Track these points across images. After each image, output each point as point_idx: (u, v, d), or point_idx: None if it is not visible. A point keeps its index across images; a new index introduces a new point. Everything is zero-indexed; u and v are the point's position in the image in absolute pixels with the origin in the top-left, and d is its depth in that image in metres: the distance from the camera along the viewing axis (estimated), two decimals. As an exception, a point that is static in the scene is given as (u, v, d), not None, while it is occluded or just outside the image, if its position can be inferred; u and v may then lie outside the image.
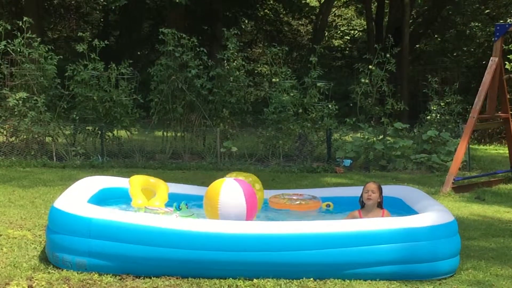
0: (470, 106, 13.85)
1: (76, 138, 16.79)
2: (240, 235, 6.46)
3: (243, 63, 17.72)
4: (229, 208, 7.20)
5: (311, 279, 6.44)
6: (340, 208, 8.85)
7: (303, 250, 6.45)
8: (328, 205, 8.96)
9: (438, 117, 17.67)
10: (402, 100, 19.43)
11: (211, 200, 7.28)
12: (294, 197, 8.99)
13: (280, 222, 7.09)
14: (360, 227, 6.67)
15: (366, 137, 16.59)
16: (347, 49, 43.19)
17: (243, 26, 39.86)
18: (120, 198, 8.34)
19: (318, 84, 17.21)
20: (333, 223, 6.84)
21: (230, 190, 7.30)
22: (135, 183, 8.27)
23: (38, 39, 16.40)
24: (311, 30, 41.68)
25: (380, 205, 7.68)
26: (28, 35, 16.18)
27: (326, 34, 41.51)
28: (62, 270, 6.50)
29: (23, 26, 16.10)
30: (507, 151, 14.93)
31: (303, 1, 39.62)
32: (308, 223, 6.85)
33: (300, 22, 44.11)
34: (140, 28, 37.53)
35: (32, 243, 7.58)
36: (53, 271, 6.50)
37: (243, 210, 7.29)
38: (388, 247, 6.53)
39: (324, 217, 8.41)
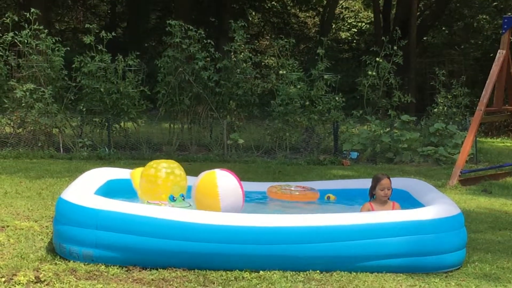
0: (478, 99, 13.81)
1: (83, 130, 16.84)
2: (246, 228, 6.46)
3: (250, 55, 17.71)
4: (230, 198, 7.32)
5: (317, 271, 6.45)
6: (344, 200, 8.87)
7: (310, 243, 6.45)
8: (328, 197, 8.98)
9: (445, 109, 17.64)
10: (409, 93, 19.43)
11: (208, 193, 7.33)
12: (292, 188, 9.00)
13: (286, 215, 7.09)
14: (366, 220, 6.66)
15: (373, 129, 16.57)
16: (354, 41, 43.05)
17: (250, 18, 39.79)
18: (127, 189, 8.35)
19: (325, 77, 17.20)
20: (339, 216, 6.83)
21: (227, 180, 7.42)
22: (137, 176, 8.26)
23: (45, 31, 16.43)
24: (318, 22, 41.57)
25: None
26: (35, 26, 16.20)
27: (333, 26, 41.39)
28: (69, 261, 6.52)
29: (31, 18, 16.13)
30: (514, 144, 14.90)
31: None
32: (314, 216, 6.84)
33: (307, 14, 43.99)
34: (147, 20, 37.53)
35: (39, 234, 7.60)
36: (60, 262, 6.52)
37: (240, 199, 7.46)
38: (394, 240, 6.53)
39: (332, 210, 8.42)
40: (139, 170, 8.38)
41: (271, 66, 17.96)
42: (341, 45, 42.05)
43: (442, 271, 6.64)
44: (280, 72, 17.43)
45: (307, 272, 6.43)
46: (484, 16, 35.24)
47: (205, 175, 7.58)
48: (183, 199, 7.64)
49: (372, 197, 7.60)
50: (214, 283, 6.12)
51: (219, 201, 7.24)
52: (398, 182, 8.54)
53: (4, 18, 16.31)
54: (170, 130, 17.65)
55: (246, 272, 6.36)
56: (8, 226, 7.88)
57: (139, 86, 16.89)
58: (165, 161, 8.22)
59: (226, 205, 7.23)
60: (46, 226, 7.98)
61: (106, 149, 15.86)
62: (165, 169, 7.89)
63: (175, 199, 7.55)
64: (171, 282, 6.09)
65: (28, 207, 9.20)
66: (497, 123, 23.75)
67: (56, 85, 16.33)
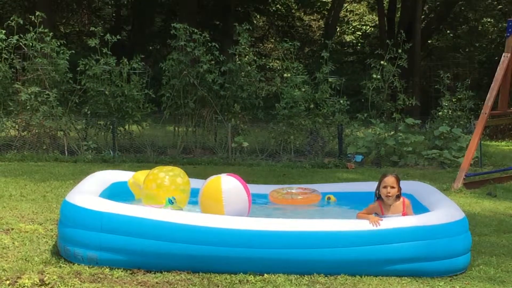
0: (482, 102, 13.79)
1: (88, 133, 16.86)
2: (251, 231, 6.45)
3: (255, 58, 17.75)
4: (234, 203, 7.32)
5: (322, 274, 6.43)
6: (345, 203, 8.87)
7: (314, 248, 6.43)
8: (328, 198, 8.97)
9: (449, 113, 17.62)
10: (413, 96, 19.41)
11: (213, 198, 7.34)
12: (294, 191, 8.98)
13: (292, 219, 7.06)
14: (370, 226, 6.62)
15: (378, 132, 16.55)
16: (359, 44, 43.11)
17: (255, 21, 39.84)
18: (131, 192, 8.36)
19: (330, 80, 17.21)
20: (344, 222, 6.80)
21: (232, 185, 7.43)
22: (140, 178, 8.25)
23: (50, 34, 16.48)
24: (323, 26, 41.61)
25: (398, 196, 7.38)
26: (40, 29, 16.26)
27: (338, 29, 41.45)
28: (73, 264, 6.52)
29: (36, 21, 16.20)
30: (519, 147, 14.86)
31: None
32: (320, 221, 6.82)
33: (312, 17, 44.06)
34: (152, 23, 37.59)
35: (44, 237, 7.61)
36: (64, 265, 6.52)
37: (246, 204, 7.46)
38: (398, 246, 6.49)
39: (335, 213, 8.41)
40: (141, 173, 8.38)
41: (276, 69, 17.95)
42: (345, 48, 42.13)
43: (447, 275, 6.62)
44: (285, 75, 17.44)
45: (311, 275, 6.42)
46: (489, 20, 35.28)
47: (210, 180, 7.57)
48: (175, 202, 7.67)
49: (378, 197, 7.31)
50: (218, 286, 6.11)
51: (223, 206, 7.23)
52: (403, 185, 8.51)
53: (9, 21, 16.34)
54: (174, 133, 17.67)
55: (251, 275, 6.35)
56: (12, 229, 7.89)
57: (143, 89, 16.93)
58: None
59: (230, 210, 7.22)
60: (50, 229, 7.99)
61: (111, 152, 15.88)
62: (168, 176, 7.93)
63: (173, 202, 7.56)
64: (176, 285, 6.09)
65: (33, 210, 9.21)
66: (502, 126, 23.72)
67: (61, 88, 16.37)
